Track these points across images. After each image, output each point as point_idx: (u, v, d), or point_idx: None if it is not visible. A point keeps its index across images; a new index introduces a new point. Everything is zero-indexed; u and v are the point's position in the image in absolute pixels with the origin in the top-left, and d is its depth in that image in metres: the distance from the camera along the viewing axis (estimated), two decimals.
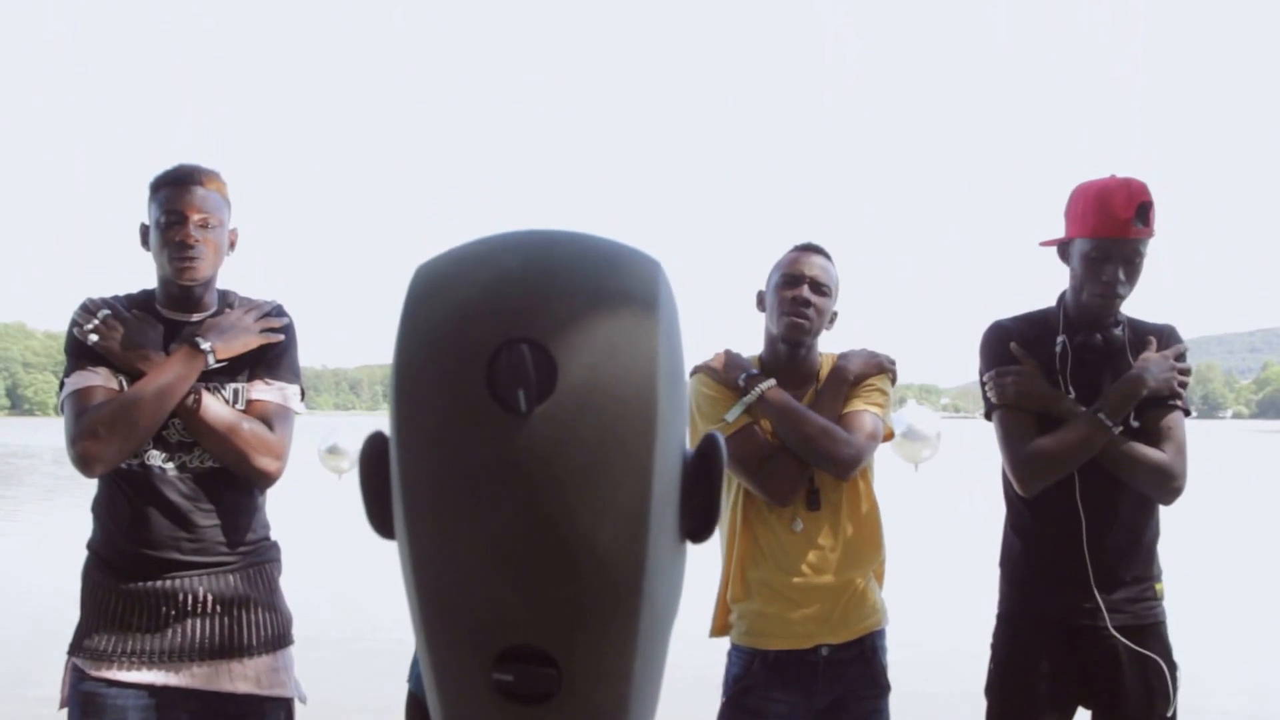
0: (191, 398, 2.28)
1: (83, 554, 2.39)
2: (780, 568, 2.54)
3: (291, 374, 2.44)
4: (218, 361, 2.32)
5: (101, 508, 2.36)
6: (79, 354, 2.31)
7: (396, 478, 0.55)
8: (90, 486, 2.40)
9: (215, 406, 2.31)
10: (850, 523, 2.57)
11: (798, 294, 2.52)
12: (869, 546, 2.59)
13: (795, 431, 2.48)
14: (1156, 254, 2.42)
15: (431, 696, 0.58)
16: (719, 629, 2.66)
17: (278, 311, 2.46)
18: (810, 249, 2.60)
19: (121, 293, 2.43)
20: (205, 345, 2.30)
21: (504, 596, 0.54)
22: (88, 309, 2.35)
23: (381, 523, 0.58)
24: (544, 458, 0.52)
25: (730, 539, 2.61)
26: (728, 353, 2.64)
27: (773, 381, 2.54)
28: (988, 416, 2.52)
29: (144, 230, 2.39)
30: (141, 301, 2.41)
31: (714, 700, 2.67)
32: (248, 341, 2.37)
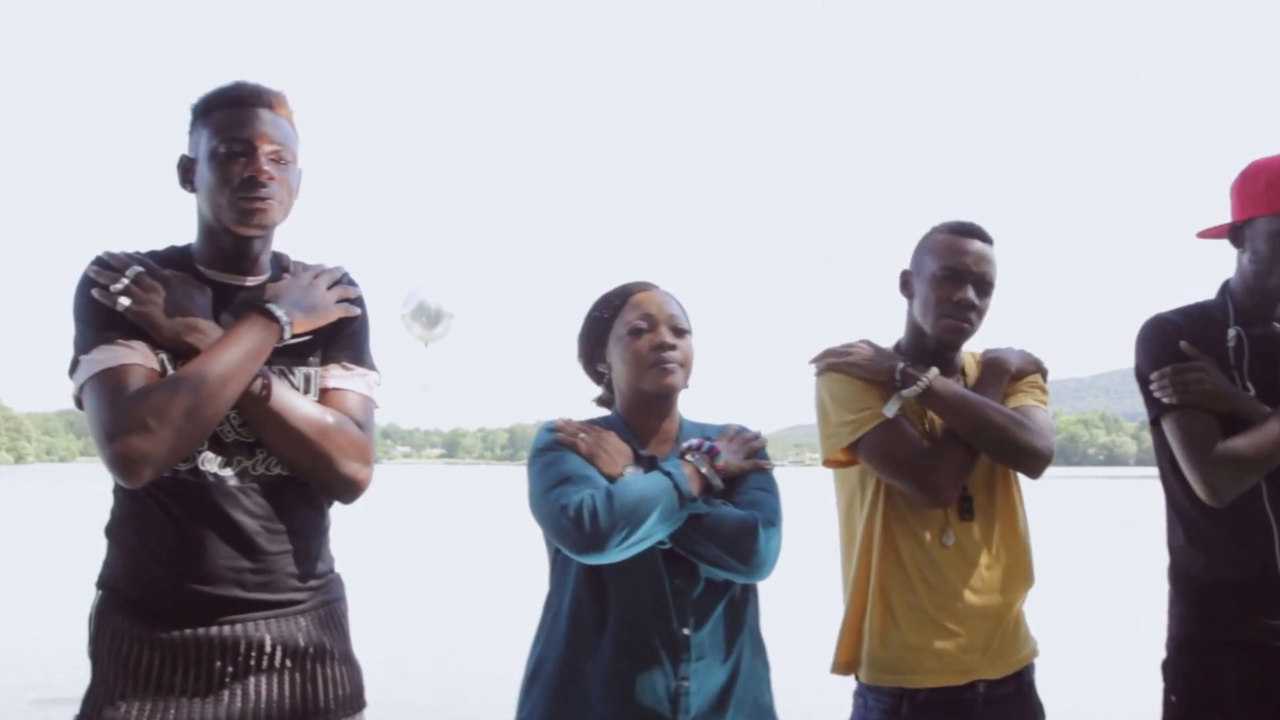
0: (259, 383, 1.74)
1: (89, 594, 1.79)
2: (931, 588, 2.19)
3: (371, 358, 1.93)
4: (293, 336, 1.80)
5: (128, 531, 1.77)
6: (103, 324, 1.73)
7: None
8: None
9: (290, 397, 1.78)
10: (1007, 535, 2.25)
11: (963, 297, 2.20)
12: (1025, 563, 2.28)
13: (978, 422, 2.15)
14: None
15: None
16: (847, 664, 2.27)
17: (347, 280, 1.94)
18: (973, 233, 2.24)
19: (144, 249, 1.86)
20: (281, 314, 1.77)
21: None
22: (109, 264, 1.77)
23: None
24: None
25: (864, 555, 2.23)
26: (868, 344, 2.29)
27: (936, 370, 2.20)
28: (1156, 421, 2.25)
29: (186, 164, 1.84)
30: (175, 260, 1.84)
31: None
32: (326, 314, 1.86)
